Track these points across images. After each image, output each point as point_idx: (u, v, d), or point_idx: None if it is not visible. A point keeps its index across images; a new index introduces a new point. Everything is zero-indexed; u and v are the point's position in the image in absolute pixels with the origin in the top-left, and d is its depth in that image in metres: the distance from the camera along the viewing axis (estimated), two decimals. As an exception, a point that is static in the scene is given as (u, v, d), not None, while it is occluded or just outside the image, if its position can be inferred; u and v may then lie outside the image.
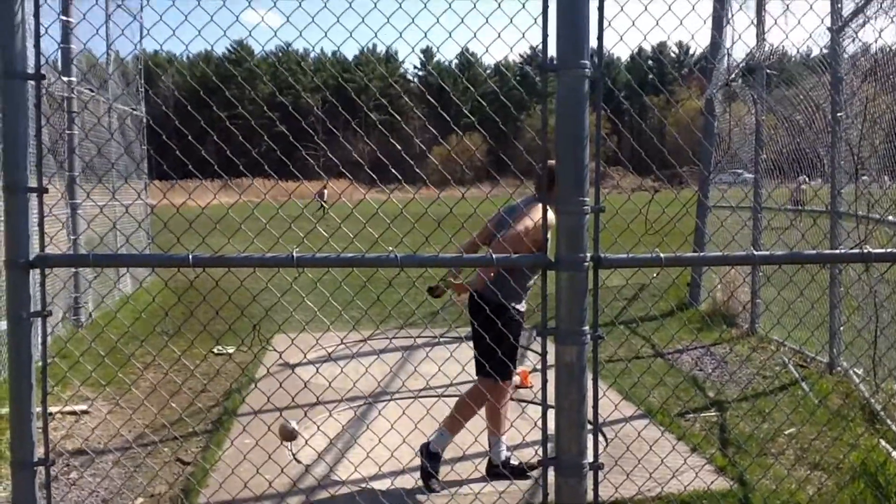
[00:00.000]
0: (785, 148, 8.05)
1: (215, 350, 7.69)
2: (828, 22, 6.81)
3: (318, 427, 4.88)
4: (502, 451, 4.65)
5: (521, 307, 4.61)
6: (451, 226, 3.02)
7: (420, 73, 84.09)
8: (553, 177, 4.24)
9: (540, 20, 2.81)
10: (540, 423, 2.97)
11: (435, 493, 4.40)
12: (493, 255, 2.99)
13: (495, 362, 4.18)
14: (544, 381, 2.96)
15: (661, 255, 2.91)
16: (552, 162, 4.40)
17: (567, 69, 2.74)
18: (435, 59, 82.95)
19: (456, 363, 4.72)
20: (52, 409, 5.85)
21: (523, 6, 3.03)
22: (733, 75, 9.15)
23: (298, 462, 4.90)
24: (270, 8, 3.27)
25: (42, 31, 2.80)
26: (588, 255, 2.82)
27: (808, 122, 7.47)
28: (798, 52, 7.98)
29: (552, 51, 2.79)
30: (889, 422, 5.14)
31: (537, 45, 2.87)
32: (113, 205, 11.02)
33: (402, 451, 4.23)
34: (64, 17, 9.11)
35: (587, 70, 2.75)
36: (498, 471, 4.60)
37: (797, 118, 7.71)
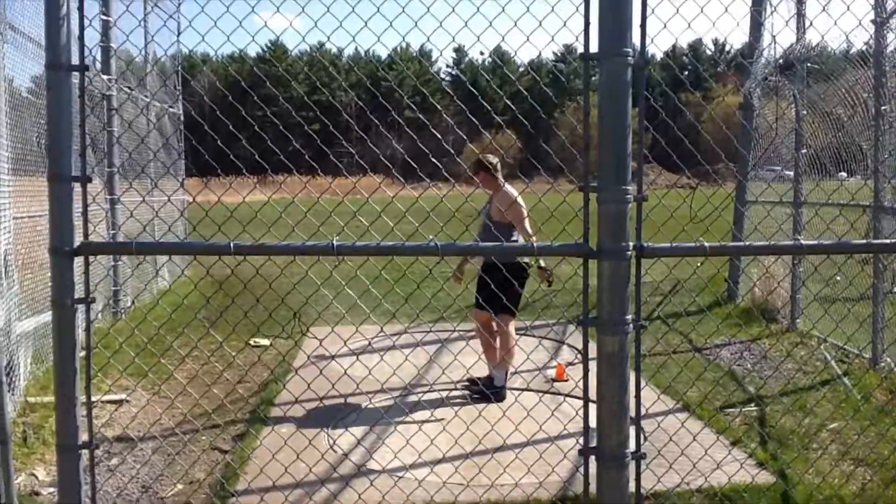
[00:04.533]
0: (826, 144, 7.91)
1: (251, 342, 7.76)
2: (871, 15, 6.69)
3: (362, 412, 4.89)
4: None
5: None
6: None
7: (452, 72, 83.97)
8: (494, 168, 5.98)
9: (582, 8, 2.79)
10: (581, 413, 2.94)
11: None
12: (535, 246, 2.97)
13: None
14: (586, 372, 2.94)
15: (706, 243, 2.87)
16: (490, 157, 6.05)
17: (609, 56, 2.72)
18: (467, 59, 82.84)
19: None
20: (93, 398, 5.95)
21: (564, -6, 3.00)
22: (771, 69, 9.01)
23: (335, 451, 4.92)
24: (298, 14, 3.26)
25: (86, 24, 2.84)
26: (631, 244, 2.79)
27: (850, 117, 7.33)
28: (838, 46, 7.83)
29: (594, 39, 2.76)
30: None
31: (579, 34, 2.84)
32: (150, 201, 11.19)
33: (439, 441, 4.23)
34: (104, 17, 9.24)
35: (630, 58, 2.72)
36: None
37: (838, 112, 7.57)
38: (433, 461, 4.42)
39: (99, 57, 9.40)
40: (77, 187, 2.82)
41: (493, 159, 6.12)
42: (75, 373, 2.87)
